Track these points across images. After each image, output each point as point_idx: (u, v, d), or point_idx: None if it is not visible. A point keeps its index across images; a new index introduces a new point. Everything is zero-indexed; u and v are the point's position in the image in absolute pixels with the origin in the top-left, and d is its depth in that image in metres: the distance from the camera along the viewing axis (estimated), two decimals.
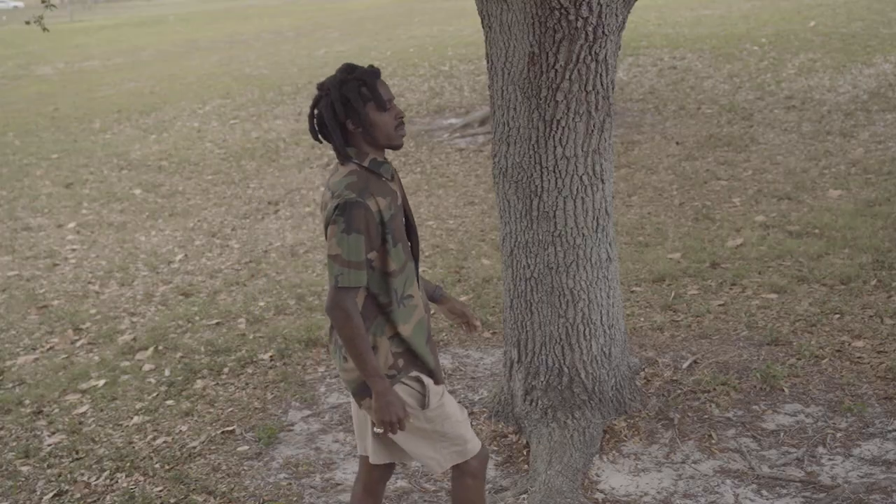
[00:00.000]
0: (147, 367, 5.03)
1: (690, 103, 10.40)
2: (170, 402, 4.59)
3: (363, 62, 15.26)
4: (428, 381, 2.66)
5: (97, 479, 3.91)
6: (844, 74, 10.65)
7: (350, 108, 2.48)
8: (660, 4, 18.51)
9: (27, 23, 6.46)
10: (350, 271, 2.42)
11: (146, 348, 5.28)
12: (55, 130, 12.57)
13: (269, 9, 31.63)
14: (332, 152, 10.02)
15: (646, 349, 4.66)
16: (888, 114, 9.08)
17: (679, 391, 4.18)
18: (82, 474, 3.95)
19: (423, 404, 2.65)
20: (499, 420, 4.06)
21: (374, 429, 2.58)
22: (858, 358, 4.39)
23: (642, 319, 5.08)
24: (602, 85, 3.60)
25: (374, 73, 2.49)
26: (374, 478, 2.91)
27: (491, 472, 3.73)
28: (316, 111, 2.56)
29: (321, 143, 2.59)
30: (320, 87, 2.54)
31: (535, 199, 3.72)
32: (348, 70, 2.50)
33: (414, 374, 2.64)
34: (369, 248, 2.47)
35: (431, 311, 2.72)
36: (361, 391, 2.62)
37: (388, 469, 2.91)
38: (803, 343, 4.57)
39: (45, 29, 6.62)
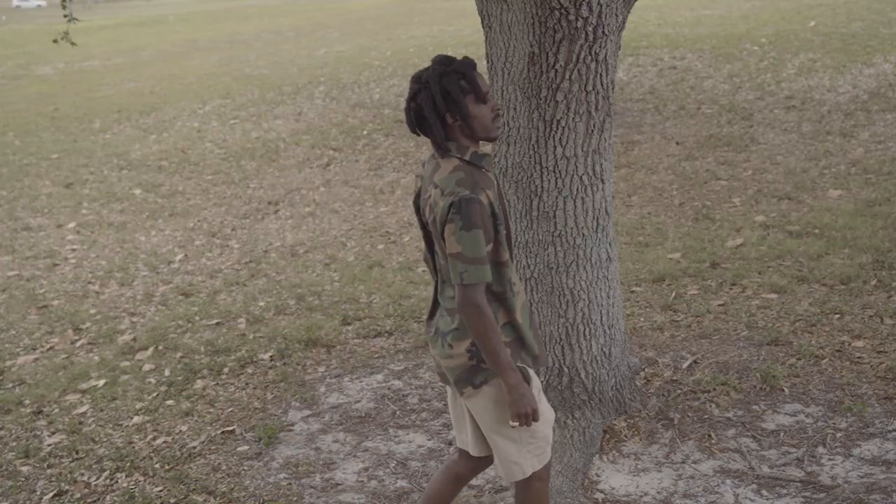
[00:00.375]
0: (147, 367, 5.03)
1: (690, 103, 10.40)
2: (170, 402, 4.59)
3: (363, 62, 15.27)
4: (532, 374, 2.65)
5: (97, 479, 3.91)
6: (844, 74, 10.65)
7: (451, 101, 2.46)
8: (660, 4, 18.51)
9: (55, 41, 6.41)
10: (473, 267, 2.41)
11: (146, 348, 5.28)
12: (55, 130, 12.57)
13: (269, 9, 31.64)
14: (331, 152, 10.02)
15: (646, 349, 4.67)
16: (888, 114, 9.08)
17: (679, 391, 4.18)
18: (82, 474, 3.96)
19: None
20: None
21: (511, 422, 2.56)
22: (858, 358, 4.39)
23: (642, 319, 5.08)
24: (602, 85, 3.60)
25: (471, 64, 2.48)
26: (469, 467, 2.88)
27: (491, 471, 3.73)
28: (413, 104, 2.52)
29: (419, 136, 2.56)
30: (417, 79, 2.50)
31: (535, 199, 3.72)
32: (446, 62, 2.47)
33: (519, 365, 2.63)
34: (487, 241, 2.46)
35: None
36: (464, 380, 2.61)
37: (485, 461, 2.88)
38: (803, 343, 4.57)
39: (73, 43, 6.57)
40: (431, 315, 2.76)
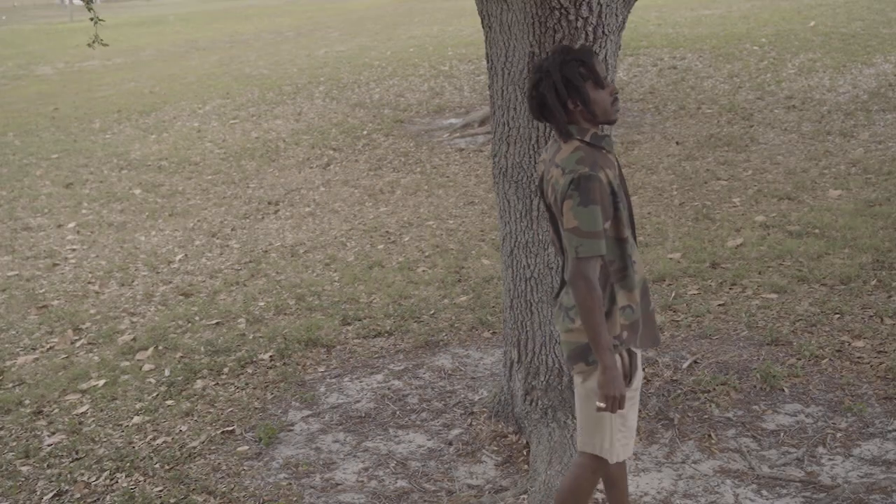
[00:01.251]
0: (147, 367, 5.03)
1: (690, 103, 10.40)
2: (170, 402, 4.59)
3: (363, 62, 15.27)
4: (639, 364, 2.73)
5: (97, 479, 3.91)
6: (844, 74, 10.64)
7: (572, 88, 2.57)
8: (660, 4, 18.51)
9: (89, 45, 6.40)
10: (588, 241, 2.49)
11: (146, 348, 5.28)
12: (55, 130, 12.57)
13: (269, 9, 31.63)
14: (331, 152, 10.03)
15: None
16: (888, 114, 9.08)
17: (679, 391, 4.18)
18: (82, 474, 3.95)
19: (626, 382, 2.69)
20: (499, 420, 4.06)
21: (598, 403, 2.59)
22: (858, 358, 4.39)
23: None
24: None
25: (590, 52, 2.59)
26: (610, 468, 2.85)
27: (491, 471, 3.73)
28: (536, 93, 2.63)
29: (542, 122, 2.68)
30: (538, 69, 2.61)
31: (535, 198, 3.72)
32: (566, 51, 2.59)
33: (631, 349, 2.70)
34: (605, 217, 2.54)
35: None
36: (578, 356, 2.69)
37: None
38: (803, 343, 4.57)
39: (104, 44, 6.57)
40: (558, 293, 2.84)
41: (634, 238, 2.71)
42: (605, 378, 2.54)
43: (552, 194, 2.63)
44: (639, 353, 2.77)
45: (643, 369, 4.38)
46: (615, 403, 2.55)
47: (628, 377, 2.71)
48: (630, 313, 2.66)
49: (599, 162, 2.56)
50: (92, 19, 6.31)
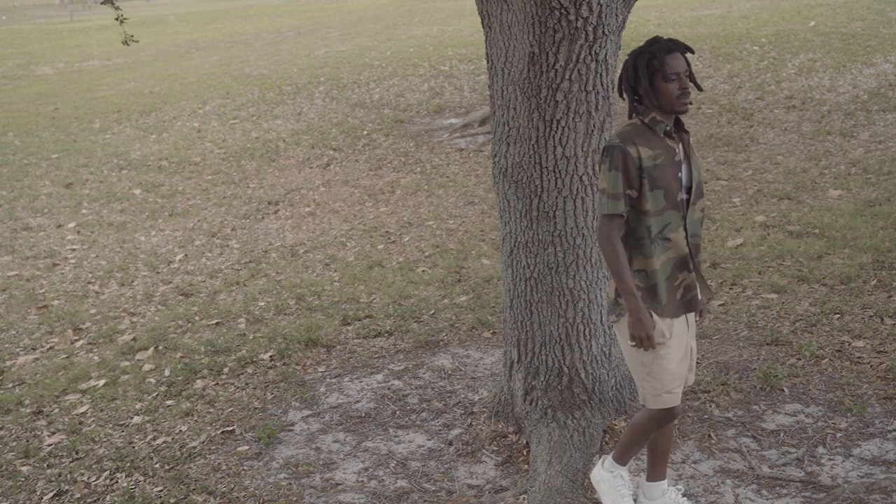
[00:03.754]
0: (147, 367, 5.03)
1: (690, 103, 10.40)
2: (170, 402, 4.59)
3: (363, 62, 15.27)
4: (660, 322, 2.95)
5: (97, 479, 3.91)
6: (844, 74, 10.64)
7: (640, 76, 2.91)
8: (660, 4, 18.51)
9: (124, 43, 6.42)
10: (609, 200, 2.88)
11: (146, 348, 5.28)
12: (55, 130, 12.56)
13: (269, 9, 31.63)
14: (331, 152, 10.05)
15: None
16: (888, 114, 9.08)
17: None
18: (82, 474, 3.95)
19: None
20: (499, 420, 4.06)
21: (630, 342, 2.92)
22: (858, 358, 4.39)
23: None
24: (602, 85, 3.60)
25: (667, 48, 2.87)
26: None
27: (491, 471, 3.73)
28: (621, 74, 3.01)
29: (622, 98, 3.01)
30: (629, 55, 2.96)
31: (535, 199, 3.72)
32: (650, 43, 2.91)
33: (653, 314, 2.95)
34: (627, 184, 2.87)
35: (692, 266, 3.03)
36: (609, 308, 3.05)
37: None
38: (803, 343, 4.57)
39: (136, 41, 6.60)
40: None
41: (686, 222, 2.94)
42: (631, 319, 2.89)
43: None
44: (675, 321, 2.98)
45: None
46: (643, 342, 2.88)
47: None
48: (644, 277, 2.94)
49: (638, 139, 2.88)
50: (118, 18, 6.32)
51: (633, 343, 2.91)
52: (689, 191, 2.96)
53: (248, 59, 17.95)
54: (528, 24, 3.48)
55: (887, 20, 13.38)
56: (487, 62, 3.79)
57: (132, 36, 6.46)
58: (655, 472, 3.27)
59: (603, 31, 3.49)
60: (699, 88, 3.01)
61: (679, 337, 2.99)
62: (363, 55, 16.28)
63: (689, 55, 12.48)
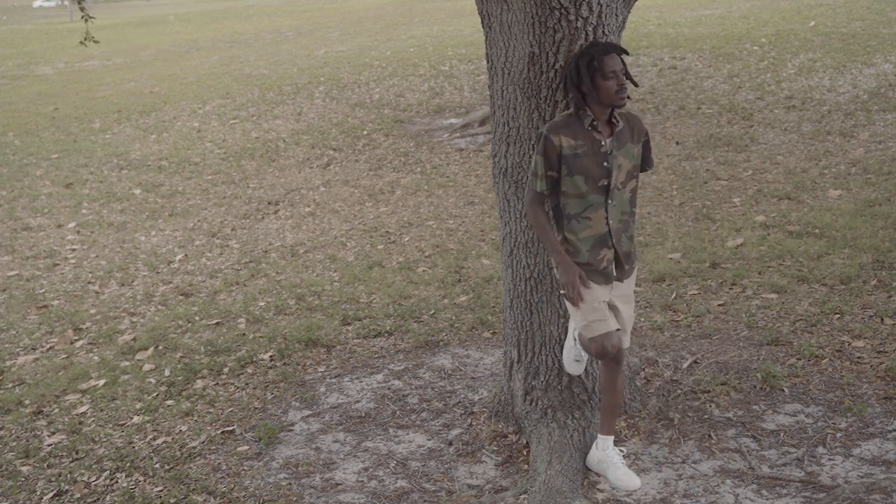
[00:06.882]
0: (147, 367, 5.03)
1: (690, 103, 10.40)
2: (170, 402, 4.59)
3: (363, 62, 15.28)
4: (587, 279, 3.34)
5: (97, 479, 3.91)
6: (844, 74, 10.65)
7: (580, 75, 3.22)
8: (660, 4, 18.51)
9: (82, 43, 6.46)
10: (532, 179, 3.33)
11: (146, 348, 5.28)
12: (55, 130, 12.57)
13: (269, 9, 31.63)
14: (331, 152, 10.06)
15: (646, 349, 4.66)
16: (888, 114, 9.08)
17: (679, 391, 4.18)
18: (82, 474, 3.96)
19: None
20: (499, 420, 4.06)
21: (560, 291, 3.35)
22: (858, 358, 4.39)
23: (642, 319, 5.08)
24: None
25: (605, 50, 3.18)
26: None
27: (491, 471, 3.73)
28: (564, 72, 3.41)
29: (566, 97, 3.40)
30: (573, 56, 3.33)
31: None
32: (589, 46, 3.23)
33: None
34: (548, 167, 3.28)
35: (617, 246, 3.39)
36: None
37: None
38: (803, 343, 4.57)
39: (96, 41, 6.64)
40: None
41: (607, 205, 3.30)
42: (559, 270, 3.32)
43: None
44: (607, 287, 3.36)
45: (643, 370, 4.38)
46: (570, 287, 3.27)
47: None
48: (565, 241, 3.36)
49: (564, 129, 3.26)
50: (83, 17, 6.32)
51: (563, 292, 3.31)
52: (609, 174, 3.27)
53: (248, 59, 17.95)
54: (528, 24, 3.48)
55: (887, 20, 13.39)
56: (487, 62, 3.79)
57: (93, 37, 6.47)
58: (602, 427, 3.57)
59: (603, 32, 3.49)
60: (635, 84, 3.34)
61: (599, 288, 3.34)
62: (363, 55, 16.28)
63: (688, 56, 12.48)
